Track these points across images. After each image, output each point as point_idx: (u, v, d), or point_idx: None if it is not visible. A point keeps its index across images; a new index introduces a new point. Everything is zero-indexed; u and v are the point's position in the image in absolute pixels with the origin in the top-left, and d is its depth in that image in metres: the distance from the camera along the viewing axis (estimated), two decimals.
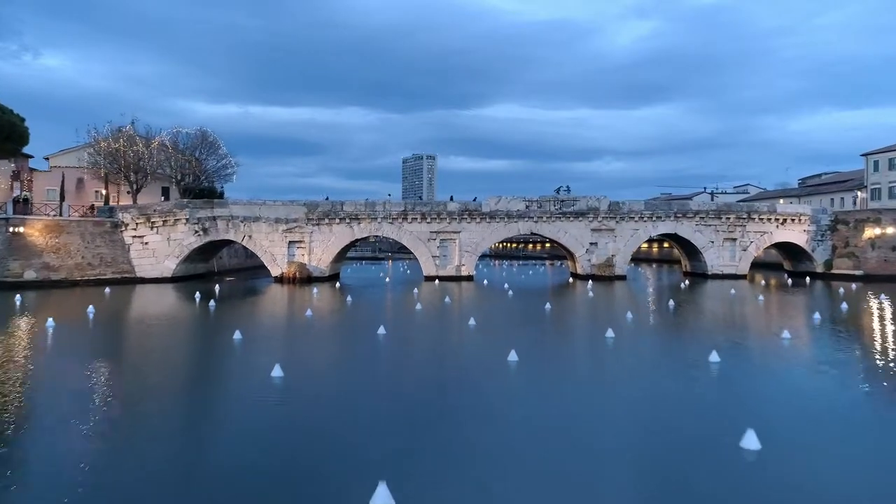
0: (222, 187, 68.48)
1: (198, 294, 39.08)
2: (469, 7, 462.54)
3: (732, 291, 42.27)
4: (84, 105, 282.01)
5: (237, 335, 22.52)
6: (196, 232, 51.52)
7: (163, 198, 61.49)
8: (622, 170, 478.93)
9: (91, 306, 30.82)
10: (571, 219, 56.82)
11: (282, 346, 22.27)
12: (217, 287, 44.92)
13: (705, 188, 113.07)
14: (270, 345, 22.20)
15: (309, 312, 29.11)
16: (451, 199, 57.75)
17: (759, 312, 33.10)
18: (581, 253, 56.93)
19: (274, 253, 52.64)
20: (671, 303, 34.20)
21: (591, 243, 57.04)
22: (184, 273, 52.84)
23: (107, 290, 42.30)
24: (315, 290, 42.32)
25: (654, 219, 58.09)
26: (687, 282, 51.12)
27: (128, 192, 61.24)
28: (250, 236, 52.52)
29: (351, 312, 31.89)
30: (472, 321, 26.05)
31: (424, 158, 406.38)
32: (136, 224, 50.68)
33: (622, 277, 56.66)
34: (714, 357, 18.69)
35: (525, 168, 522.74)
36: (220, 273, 61.23)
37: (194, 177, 63.18)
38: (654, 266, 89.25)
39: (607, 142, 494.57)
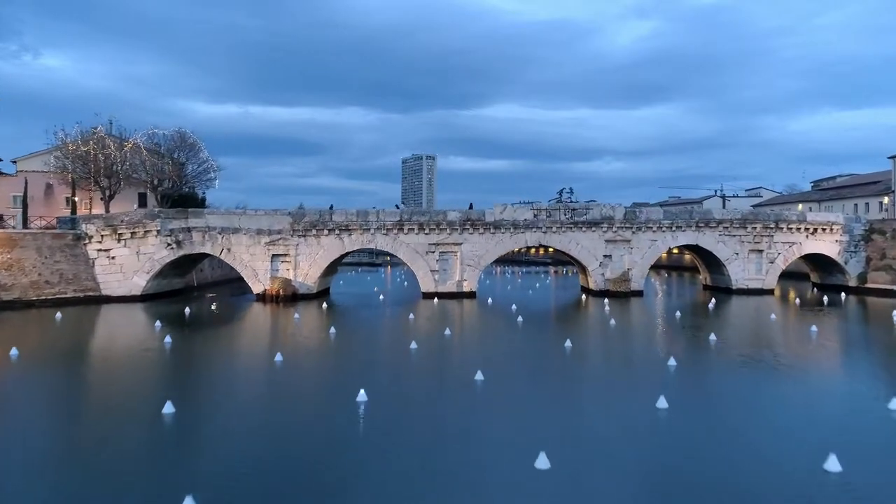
0: (204, 193, 62.76)
1: (158, 323, 33.26)
2: (469, 7, 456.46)
3: (773, 316, 36.48)
4: (84, 105, 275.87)
5: (168, 408, 16.76)
6: (168, 245, 45.74)
7: (135, 206, 55.74)
8: (622, 170, 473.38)
9: (14, 349, 25.06)
10: (584, 229, 51.07)
11: (221, 429, 16.25)
12: (187, 310, 39.14)
13: (716, 191, 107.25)
14: (207, 429, 16.43)
15: (279, 357, 23.37)
16: (455, 210, 51.95)
17: (821, 346, 27.35)
18: (594, 266, 51.18)
19: (255, 268, 46.87)
20: (713, 338, 28.45)
21: (605, 256, 51.31)
22: (157, 290, 47.11)
23: (58, 315, 36.54)
24: (296, 315, 36.50)
25: (673, 228, 52.36)
26: (714, 301, 45.33)
27: (101, 200, 55.52)
28: (229, 249, 46.74)
29: (331, 356, 26.02)
30: (479, 375, 20.30)
31: (424, 159, 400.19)
32: (102, 236, 44.92)
33: (639, 293, 50.95)
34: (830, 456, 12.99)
35: (525, 168, 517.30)
36: (200, 288, 55.48)
37: (173, 182, 57.37)
38: (665, 275, 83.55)
39: (607, 142, 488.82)
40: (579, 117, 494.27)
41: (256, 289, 46.86)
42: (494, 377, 20.43)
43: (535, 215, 50.78)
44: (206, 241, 46.43)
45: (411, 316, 36.22)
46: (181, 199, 58.38)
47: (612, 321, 34.07)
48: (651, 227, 51.89)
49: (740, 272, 52.87)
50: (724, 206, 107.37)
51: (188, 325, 34.89)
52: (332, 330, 30.32)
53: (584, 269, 52.79)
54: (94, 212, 56.88)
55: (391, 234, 48.59)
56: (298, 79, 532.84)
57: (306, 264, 47.47)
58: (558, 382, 20.63)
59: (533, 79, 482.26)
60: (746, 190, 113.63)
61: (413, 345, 26.10)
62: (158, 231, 45.40)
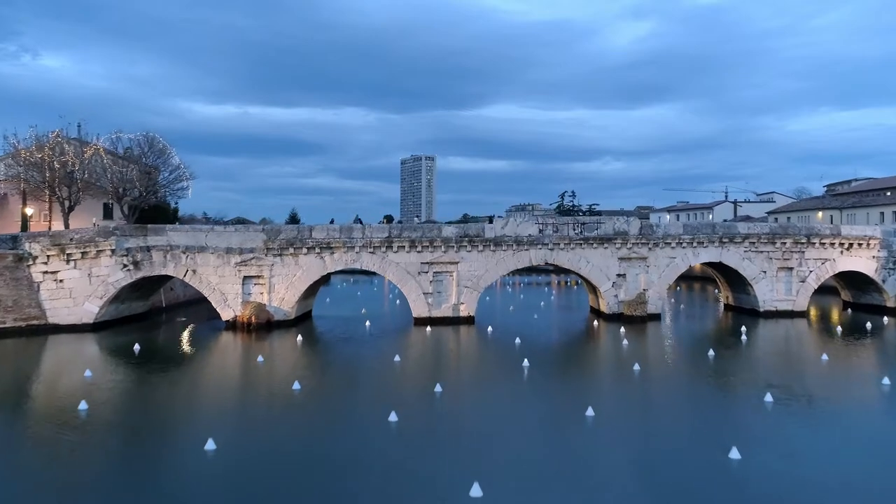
0: (177, 203, 56.67)
1: (88, 373, 27.07)
2: (468, 7, 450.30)
3: (825, 357, 30.39)
4: (84, 106, 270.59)
5: None
6: (125, 266, 39.72)
7: (95, 220, 49.73)
8: (622, 170, 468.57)
9: None
10: (594, 245, 45.02)
11: None
12: (137, 347, 33.10)
13: (726, 196, 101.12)
14: None
15: (211, 445, 17.30)
16: (451, 225, 45.68)
17: None
18: (606, 287, 45.15)
19: (225, 291, 40.82)
20: (769, 398, 22.40)
21: (619, 275, 45.28)
22: (114, 316, 41.13)
23: None
24: (260, 359, 30.26)
25: (694, 244, 46.32)
26: (744, 329, 39.32)
27: (61, 212, 49.55)
28: (194, 271, 40.68)
29: (280, 440, 19.82)
30: (475, 490, 14.21)
31: (423, 160, 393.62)
32: (48, 257, 38.89)
33: (656, 317, 44.96)
34: None
35: (524, 168, 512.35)
36: (169, 309, 49.44)
37: (141, 191, 51.30)
38: (676, 288, 77.38)
39: (606, 142, 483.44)
40: (578, 118, 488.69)
41: (226, 315, 40.84)
42: (495, 492, 14.36)
43: (540, 230, 44.73)
44: (167, 261, 40.38)
45: (397, 358, 30.12)
46: (152, 210, 52.33)
47: (636, 367, 27.97)
48: (669, 243, 45.87)
49: (768, 292, 46.84)
50: (735, 213, 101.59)
51: (130, 369, 28.89)
52: (297, 386, 24.24)
53: (594, 290, 46.76)
54: (55, 226, 50.98)
55: (379, 252, 42.55)
56: (297, 79, 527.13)
57: (282, 287, 41.44)
58: (586, 494, 14.58)
59: (532, 79, 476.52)
60: (758, 195, 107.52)
61: (392, 416, 20.03)
62: (113, 250, 39.38)
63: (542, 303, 56.69)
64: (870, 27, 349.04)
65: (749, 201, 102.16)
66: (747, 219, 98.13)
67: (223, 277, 40.76)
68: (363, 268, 42.87)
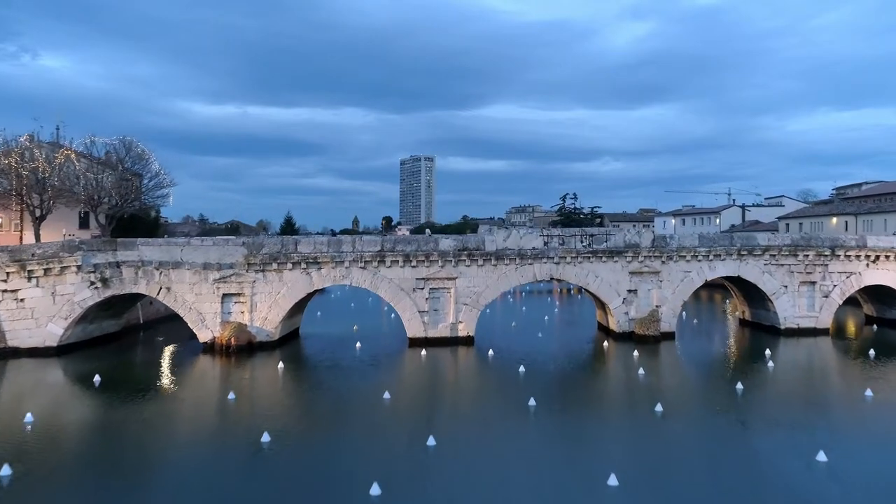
0: (158, 212, 52.91)
1: (29, 416, 23.26)
2: (467, 8, 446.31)
3: (869, 393, 26.72)
4: (84, 106, 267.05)
5: None
6: (92, 284, 36.07)
7: (66, 231, 46.04)
8: (621, 170, 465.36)
9: None
10: (604, 259, 41.37)
11: None
12: (97, 378, 29.45)
13: (733, 200, 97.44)
14: None
15: None
16: (449, 238, 42.06)
17: None
18: (616, 304, 41.51)
19: (202, 311, 37.18)
20: (822, 456, 18.78)
21: (630, 291, 41.64)
22: (81, 337, 37.52)
23: None
24: (231, 396, 26.52)
25: (710, 257, 42.68)
26: (768, 353, 35.72)
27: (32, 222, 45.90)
28: (169, 288, 37.03)
29: None
30: None
31: (423, 160, 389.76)
32: (7, 274, 35.24)
33: (670, 336, 41.36)
34: None
35: (524, 168, 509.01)
36: (148, 326, 45.76)
37: (118, 200, 47.59)
38: None
39: (606, 142, 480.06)
40: (578, 118, 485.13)
41: (203, 336, 37.20)
42: None
43: (545, 242, 41.06)
44: (139, 278, 36.73)
45: (386, 395, 26.43)
46: (131, 219, 48.63)
47: (658, 408, 24.32)
48: (684, 256, 42.22)
49: (789, 308, 43.19)
50: (743, 218, 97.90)
51: (80, 408, 25.28)
52: (266, 438, 20.56)
53: (602, 305, 43.11)
54: (26, 237, 47.34)
55: (370, 267, 38.89)
56: (297, 79, 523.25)
57: (265, 306, 37.78)
58: None
59: (531, 79, 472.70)
60: (767, 199, 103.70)
61: (375, 489, 16.37)
62: (79, 267, 35.73)
63: (545, 317, 52.96)
64: (869, 27, 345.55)
65: (758, 205, 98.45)
66: (756, 224, 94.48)
67: (200, 295, 37.10)
68: (353, 284, 39.18)
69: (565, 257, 40.94)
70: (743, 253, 42.98)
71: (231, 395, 26.39)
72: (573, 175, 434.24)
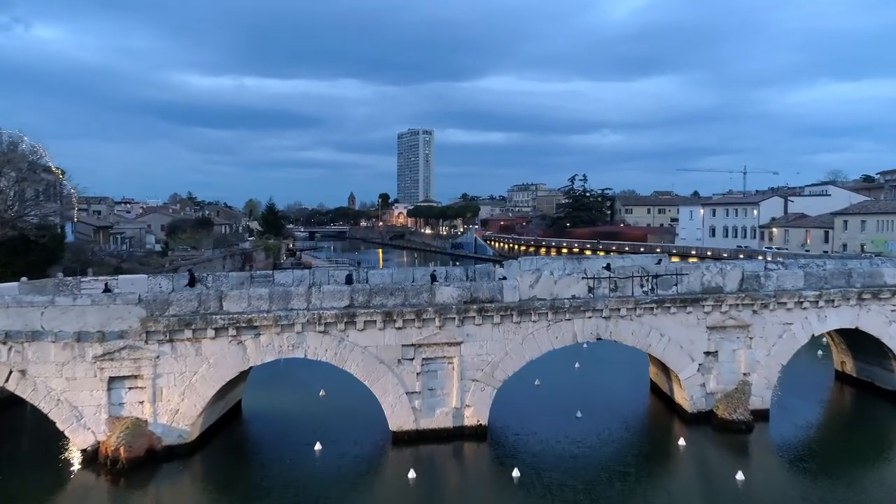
0: (62, 229, 39.30)
1: None
2: None
3: None
4: (80, 79, 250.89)
5: None
6: None
7: None
8: (620, 142, 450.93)
9: None
10: (672, 309, 28.21)
11: None
12: None
13: (773, 187, 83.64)
14: None
15: None
16: (450, 285, 28.38)
17: None
18: (689, 372, 28.51)
19: (77, 403, 24.05)
20: None
21: (708, 353, 28.66)
22: None
23: None
24: None
25: (819, 304, 29.58)
26: None
27: None
28: (23, 371, 23.83)
29: None
30: None
31: (421, 133, 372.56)
32: None
33: (762, 415, 28.53)
34: None
35: (522, 141, 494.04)
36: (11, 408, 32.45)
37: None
38: None
39: (605, 114, 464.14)
40: (576, 90, 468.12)
41: (81, 441, 24.21)
42: None
43: (589, 288, 27.74)
44: None
45: None
46: (22, 242, 35.07)
47: None
48: (784, 303, 29.09)
49: None
50: (785, 210, 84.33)
51: None
52: None
53: (668, 374, 30.02)
54: None
55: (334, 330, 25.69)
56: (293, 51, 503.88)
57: (175, 393, 24.65)
58: None
59: (530, 51, 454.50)
60: (809, 186, 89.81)
61: None
62: None
63: (576, 364, 39.34)
64: None
65: (801, 195, 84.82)
66: (802, 217, 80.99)
67: (74, 380, 23.95)
68: (308, 356, 25.89)
69: (618, 309, 27.75)
70: (865, 297, 29.93)
71: None
72: (573, 148, 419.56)
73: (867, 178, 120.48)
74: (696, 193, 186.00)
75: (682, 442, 26.12)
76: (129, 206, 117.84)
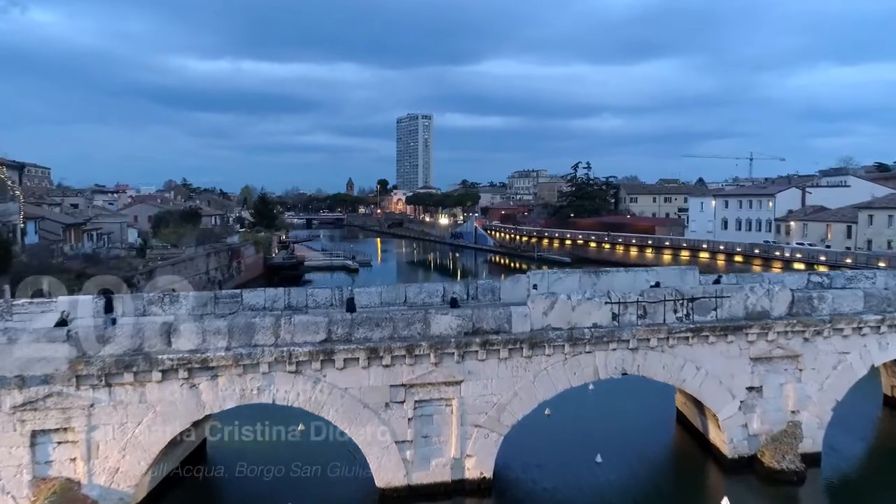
0: (12, 233, 34.67)
1: None
2: None
3: None
4: (77, 63, 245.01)
5: None
6: None
7: None
8: (620, 127, 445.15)
9: None
10: (710, 338, 23.78)
11: None
12: None
13: (788, 176, 78.88)
14: None
15: None
16: (448, 313, 23.47)
17: None
18: (729, 411, 24.16)
19: None
20: None
21: (751, 389, 24.24)
22: None
23: None
24: None
25: (881, 329, 25.13)
26: None
27: None
28: None
29: None
30: None
31: (420, 118, 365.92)
32: None
33: (813, 460, 24.24)
34: None
35: (522, 125, 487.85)
36: None
37: None
38: None
39: (605, 98, 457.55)
40: (576, 74, 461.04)
41: None
42: None
43: (614, 315, 23.22)
44: None
45: None
46: None
47: None
48: (841, 329, 24.63)
49: None
50: (803, 202, 79.62)
51: None
52: None
53: (699, 405, 25.62)
54: None
55: (308, 370, 21.21)
56: (291, 34, 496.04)
57: (114, 448, 20.22)
58: None
59: (530, 35, 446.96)
60: (823, 171, 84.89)
61: None
62: None
63: (590, 385, 34.59)
64: None
65: (818, 185, 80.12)
66: (821, 210, 76.22)
67: None
68: (277, 402, 21.41)
69: (648, 339, 23.28)
70: None
71: None
72: (573, 132, 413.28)
73: (881, 167, 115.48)
74: (700, 180, 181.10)
75: (725, 502, 21.69)
76: (115, 195, 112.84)
